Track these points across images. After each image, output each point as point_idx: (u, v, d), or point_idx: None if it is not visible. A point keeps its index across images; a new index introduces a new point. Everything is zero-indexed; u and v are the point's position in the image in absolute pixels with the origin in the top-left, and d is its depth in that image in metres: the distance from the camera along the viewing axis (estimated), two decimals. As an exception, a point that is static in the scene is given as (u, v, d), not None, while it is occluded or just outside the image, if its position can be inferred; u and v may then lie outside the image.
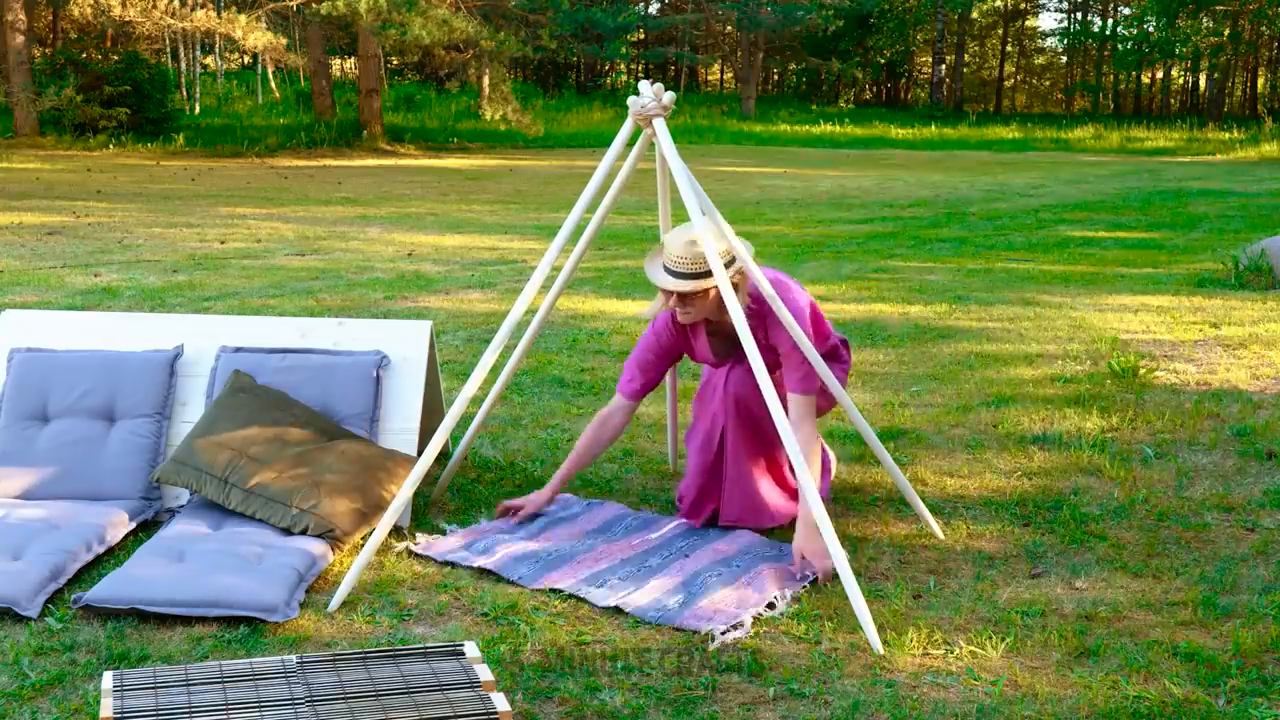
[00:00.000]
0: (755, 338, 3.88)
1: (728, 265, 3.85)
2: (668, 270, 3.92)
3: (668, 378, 4.72)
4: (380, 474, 4.04)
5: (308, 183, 18.26)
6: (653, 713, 2.95)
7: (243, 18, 22.61)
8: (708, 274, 3.85)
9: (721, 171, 20.75)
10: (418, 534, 4.08)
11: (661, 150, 3.90)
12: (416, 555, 3.93)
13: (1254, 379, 6.32)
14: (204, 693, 2.69)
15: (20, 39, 23.10)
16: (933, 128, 34.33)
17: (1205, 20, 40.12)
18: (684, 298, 3.95)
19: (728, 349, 4.18)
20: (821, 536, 3.60)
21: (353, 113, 27.94)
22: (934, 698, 3.04)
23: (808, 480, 3.62)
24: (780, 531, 4.15)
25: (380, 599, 3.59)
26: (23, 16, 23.39)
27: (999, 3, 49.56)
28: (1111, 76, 49.23)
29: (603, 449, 4.33)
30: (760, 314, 3.99)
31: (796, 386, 3.99)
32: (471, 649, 2.91)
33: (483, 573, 3.80)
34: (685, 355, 4.28)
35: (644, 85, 3.86)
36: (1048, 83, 53.64)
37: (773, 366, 4.01)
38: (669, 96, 3.85)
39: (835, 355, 4.37)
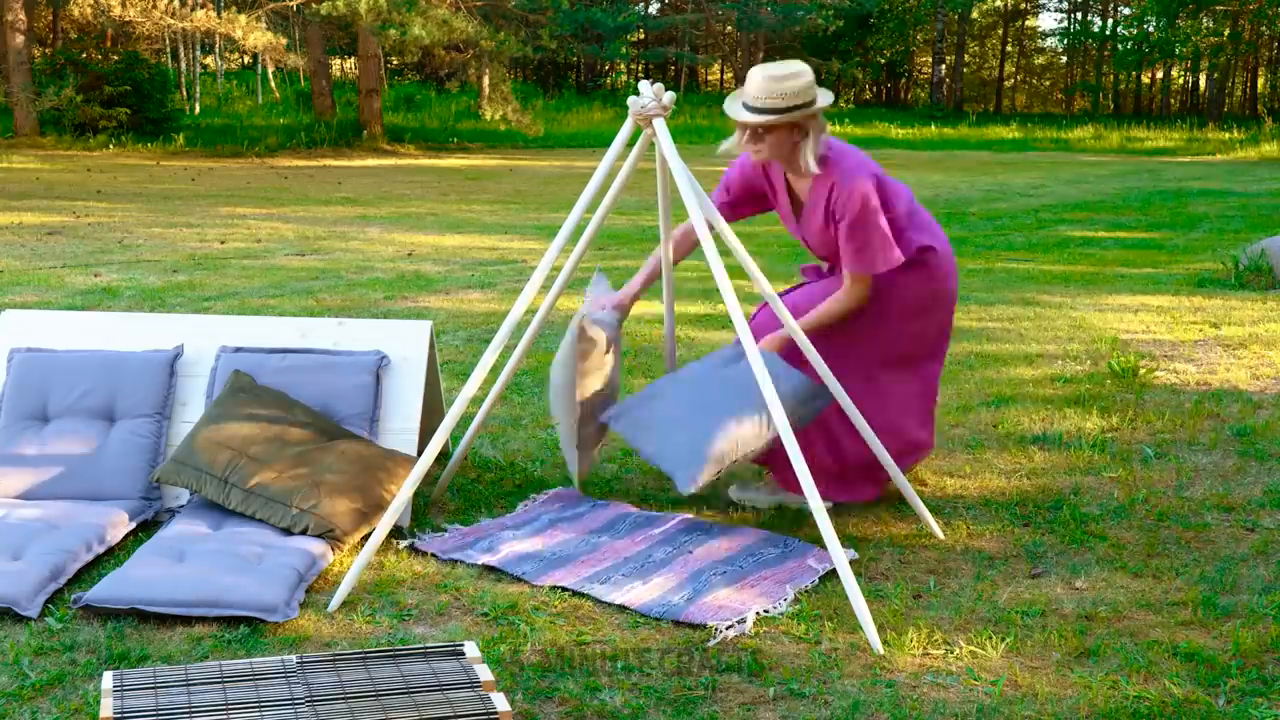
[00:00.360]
0: (822, 205, 4.04)
1: (803, 106, 3.91)
2: (745, 106, 3.98)
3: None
4: (380, 474, 4.04)
5: (308, 183, 18.26)
6: (653, 713, 2.95)
7: (243, 18, 22.60)
8: (778, 111, 3.90)
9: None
10: (419, 532, 4.08)
11: (661, 150, 3.90)
12: (417, 554, 3.93)
13: (1254, 379, 6.32)
14: (204, 693, 2.69)
15: (20, 39, 23.10)
16: (933, 128, 34.32)
17: (1205, 20, 40.11)
18: (755, 135, 3.98)
19: (801, 209, 4.19)
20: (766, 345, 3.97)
21: (353, 113, 27.94)
22: (934, 698, 3.04)
23: (822, 310, 4.08)
24: (785, 528, 4.15)
25: (380, 599, 3.59)
26: (23, 16, 23.38)
27: (999, 3, 49.54)
28: (1111, 76, 49.22)
29: (683, 255, 4.44)
30: (828, 176, 4.03)
31: (850, 262, 4.05)
32: (471, 649, 2.91)
33: (483, 573, 3.80)
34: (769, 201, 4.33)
35: (644, 85, 3.86)
36: (1048, 83, 53.63)
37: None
38: (669, 96, 3.85)
39: (915, 261, 4.21)
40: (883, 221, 4.02)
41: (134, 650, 3.23)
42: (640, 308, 8.17)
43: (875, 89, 51.55)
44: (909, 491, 4.17)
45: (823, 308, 4.15)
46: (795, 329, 3.92)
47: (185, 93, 33.55)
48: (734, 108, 4.01)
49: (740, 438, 3.88)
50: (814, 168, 4.00)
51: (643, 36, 48.02)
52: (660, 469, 4.03)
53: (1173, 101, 49.19)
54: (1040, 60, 54.80)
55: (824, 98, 3.99)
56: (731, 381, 3.99)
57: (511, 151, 26.08)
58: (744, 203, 4.36)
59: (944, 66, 44.43)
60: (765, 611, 3.51)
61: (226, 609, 3.38)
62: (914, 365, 4.34)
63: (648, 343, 6.99)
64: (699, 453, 3.86)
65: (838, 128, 33.91)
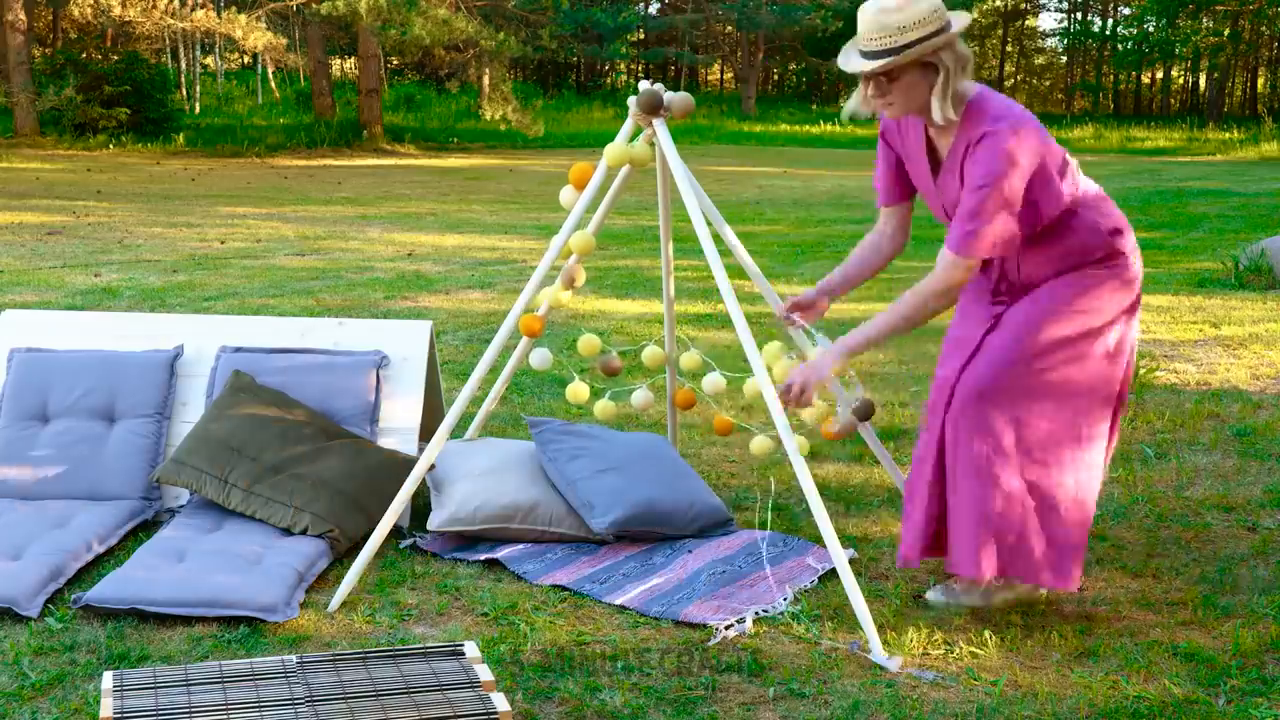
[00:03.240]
0: (959, 162, 3.24)
1: (929, 37, 3.13)
2: (863, 53, 3.19)
3: (666, 381, 4.71)
4: (380, 474, 4.04)
5: (308, 183, 18.26)
6: (653, 713, 2.95)
7: (243, 18, 22.62)
8: (896, 50, 3.13)
9: (721, 171, 20.75)
10: (419, 532, 4.08)
11: (662, 150, 3.90)
12: (417, 554, 3.93)
13: (1254, 379, 6.32)
14: (204, 693, 2.69)
15: (20, 39, 23.09)
16: (933, 128, 34.27)
17: (1205, 20, 40.11)
18: (878, 85, 3.19)
19: (948, 177, 3.33)
20: (825, 364, 3.39)
21: (353, 113, 27.94)
22: (934, 698, 3.04)
23: (884, 318, 3.32)
24: (786, 526, 4.15)
25: (380, 599, 3.59)
26: (23, 16, 23.38)
27: (999, 3, 49.54)
28: (1111, 76, 49.23)
29: (881, 264, 3.78)
30: (975, 123, 3.18)
31: (952, 241, 3.25)
32: (471, 649, 2.91)
33: (483, 573, 3.80)
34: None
35: (644, 85, 3.86)
36: (1048, 83, 53.63)
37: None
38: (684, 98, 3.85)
39: (1105, 255, 3.34)
40: (1016, 193, 3.17)
41: (134, 650, 3.22)
42: (640, 308, 8.19)
43: (875, 89, 51.49)
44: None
45: (908, 300, 3.42)
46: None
47: (185, 93, 33.54)
48: (847, 58, 3.24)
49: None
50: (948, 113, 3.17)
51: (643, 36, 48.00)
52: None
53: (1173, 101, 49.20)
54: (1040, 60, 54.81)
55: (958, 20, 3.18)
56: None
57: (511, 151, 26.08)
58: (895, 183, 3.59)
59: (944, 66, 44.37)
60: (765, 611, 3.51)
61: (226, 609, 3.38)
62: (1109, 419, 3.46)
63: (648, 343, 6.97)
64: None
65: (838, 128, 33.93)
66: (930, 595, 3.60)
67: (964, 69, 3.20)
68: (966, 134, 3.22)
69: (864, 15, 3.19)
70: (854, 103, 3.34)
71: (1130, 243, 3.42)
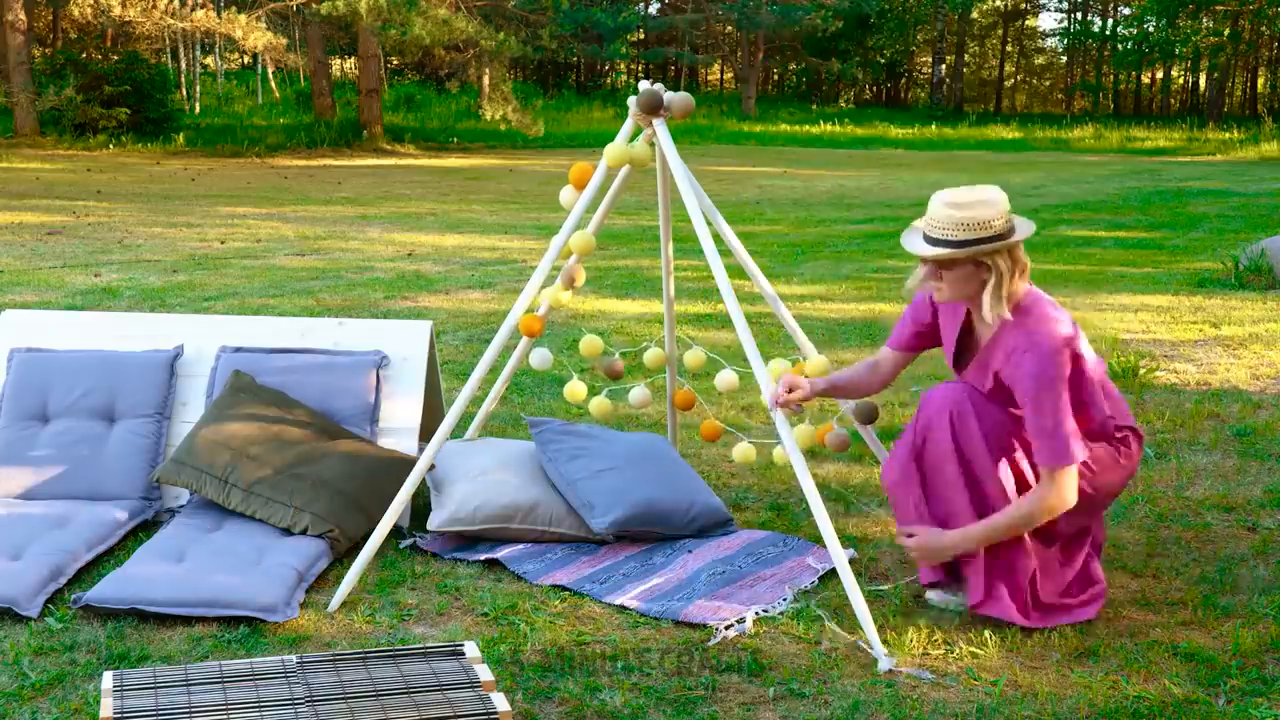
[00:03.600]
0: (994, 364, 3.39)
1: (992, 239, 3.29)
2: (925, 237, 3.37)
3: (666, 381, 4.72)
4: (380, 474, 4.04)
5: (308, 183, 18.26)
6: (653, 713, 2.95)
7: (243, 18, 22.62)
8: (957, 245, 3.29)
9: (721, 171, 20.75)
10: (419, 532, 4.08)
11: (662, 150, 3.90)
12: (417, 554, 3.93)
13: (1254, 379, 6.32)
14: (204, 693, 2.69)
15: (20, 39, 23.10)
16: (933, 128, 34.33)
17: (1205, 20, 40.11)
18: (932, 269, 3.37)
19: (967, 355, 3.55)
20: (946, 548, 3.39)
21: (353, 113, 27.94)
22: (934, 698, 3.04)
23: (1011, 512, 3.32)
24: (786, 526, 4.15)
25: (380, 599, 3.59)
26: (23, 16, 23.38)
27: (999, 3, 49.55)
28: (1111, 76, 49.23)
29: (865, 390, 3.81)
30: (1017, 329, 3.35)
31: (1045, 457, 3.29)
32: (471, 649, 2.91)
33: (483, 573, 3.80)
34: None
35: (644, 85, 3.86)
36: (1048, 83, 53.64)
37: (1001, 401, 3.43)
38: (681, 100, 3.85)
39: (1117, 441, 3.52)
40: (1066, 400, 3.32)
41: (134, 650, 3.22)
42: (640, 307, 8.19)
43: (875, 89, 51.56)
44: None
45: (1018, 509, 3.34)
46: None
47: (185, 93, 33.55)
48: (911, 239, 3.42)
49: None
50: (1000, 311, 3.33)
51: (643, 36, 48.03)
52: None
53: (1173, 101, 49.20)
54: (1040, 60, 54.83)
55: (1023, 228, 3.36)
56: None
57: (511, 151, 26.08)
58: (912, 342, 3.73)
59: (944, 66, 44.45)
60: (765, 611, 3.51)
61: (226, 609, 3.38)
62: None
63: (649, 343, 6.98)
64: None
65: (838, 127, 33.95)
66: (930, 595, 3.61)
67: (1020, 274, 3.36)
68: (1005, 343, 3.37)
69: (935, 202, 3.36)
70: (914, 280, 3.51)
71: (1138, 439, 3.57)
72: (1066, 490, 3.30)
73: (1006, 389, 3.38)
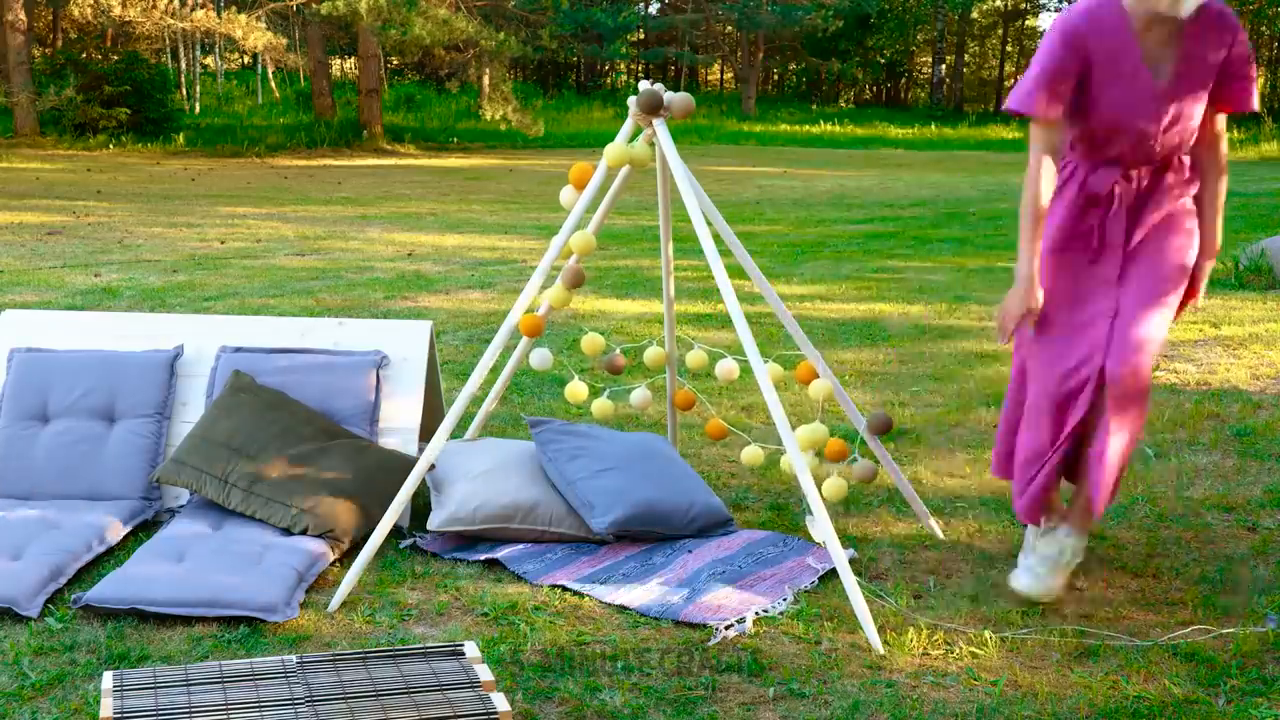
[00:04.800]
0: (1212, 40, 3.36)
1: None
2: None
3: (666, 381, 4.72)
4: (380, 474, 4.04)
5: (308, 183, 18.26)
6: (653, 713, 2.95)
7: (243, 18, 22.61)
8: None
9: (721, 171, 20.75)
10: (419, 532, 4.08)
11: (662, 150, 3.90)
12: (417, 554, 3.93)
13: (1254, 379, 6.32)
14: (204, 693, 2.69)
15: (20, 39, 23.10)
16: (933, 128, 34.32)
17: (1205, 20, 40.10)
18: None
19: (1173, 64, 3.37)
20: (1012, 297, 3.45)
21: (353, 113, 27.93)
22: (934, 698, 3.04)
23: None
24: (785, 526, 4.15)
25: (380, 599, 3.59)
26: (23, 16, 23.38)
27: (999, 3, 49.55)
28: (1111, 76, 49.15)
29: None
30: (1203, 22, 3.33)
31: (1252, 94, 3.42)
32: (471, 649, 2.91)
33: (483, 573, 3.80)
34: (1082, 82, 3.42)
35: (644, 85, 3.86)
36: (1048, 83, 53.55)
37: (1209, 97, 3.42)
38: (681, 99, 3.84)
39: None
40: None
41: (134, 650, 3.23)
42: (640, 308, 8.19)
43: (875, 89, 51.54)
44: (909, 492, 4.17)
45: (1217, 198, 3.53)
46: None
47: (185, 93, 33.54)
48: None
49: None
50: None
51: (643, 36, 48.00)
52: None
53: (1173, 101, 49.11)
54: (1040, 60, 54.73)
55: None
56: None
57: (511, 151, 26.08)
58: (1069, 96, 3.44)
59: (944, 66, 44.43)
60: (765, 611, 3.51)
61: (226, 609, 3.38)
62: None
63: (650, 342, 6.98)
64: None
65: (838, 127, 33.95)
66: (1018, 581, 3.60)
67: None
68: (1207, 19, 3.33)
69: None
70: None
71: None
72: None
73: (1230, 69, 3.39)
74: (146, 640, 3.29)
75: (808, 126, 34.42)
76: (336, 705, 2.66)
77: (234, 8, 25.30)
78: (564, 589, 3.67)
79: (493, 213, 14.67)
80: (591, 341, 4.39)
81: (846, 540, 4.02)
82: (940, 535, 4.12)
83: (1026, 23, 53.10)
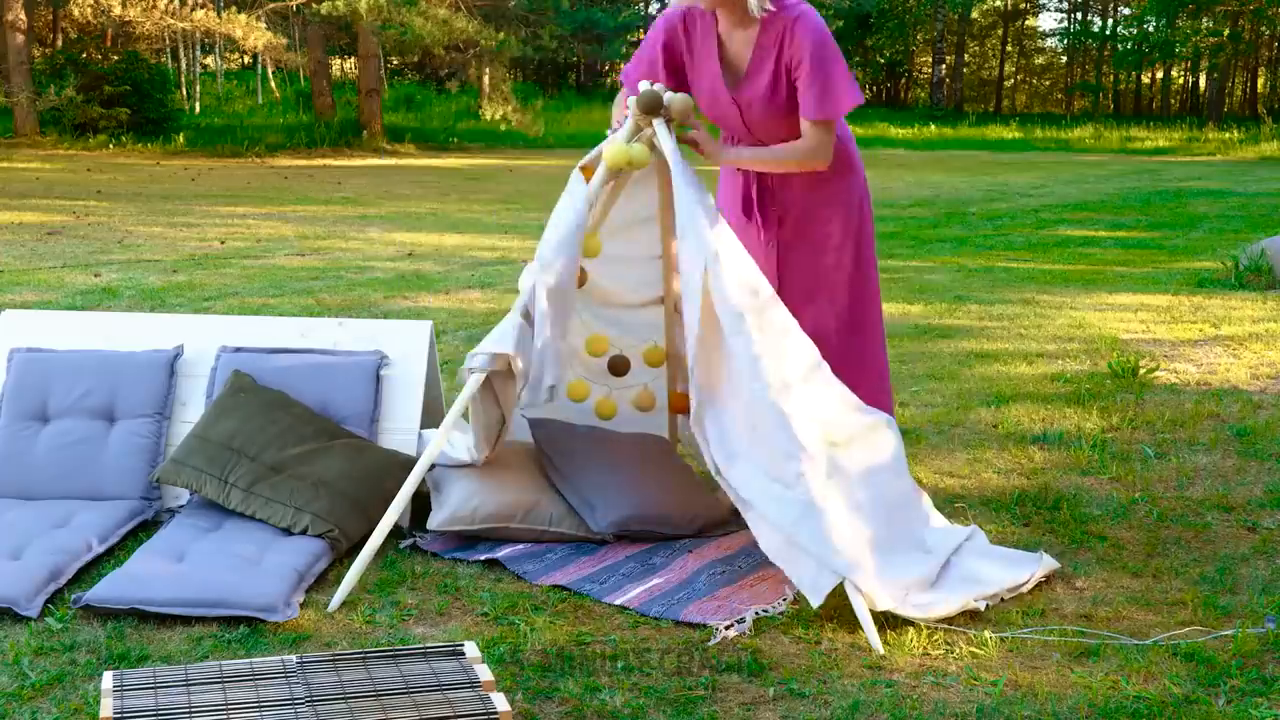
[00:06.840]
0: (772, 57, 3.59)
1: None
2: None
3: (666, 378, 4.71)
4: (380, 474, 4.04)
5: (308, 183, 18.26)
6: (653, 713, 2.95)
7: (243, 18, 22.60)
8: None
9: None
10: (420, 532, 4.08)
11: (662, 150, 3.89)
12: (417, 554, 3.93)
13: (1254, 379, 6.32)
14: (204, 693, 2.69)
15: (20, 39, 23.09)
16: (933, 128, 34.33)
17: (1205, 20, 40.10)
18: None
19: (737, 80, 3.71)
20: (717, 155, 3.81)
21: (353, 113, 27.92)
22: (934, 698, 3.04)
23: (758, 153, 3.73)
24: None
25: (380, 599, 3.59)
26: (23, 16, 23.37)
27: (999, 3, 49.54)
28: (1111, 76, 49.20)
29: None
30: (778, 19, 3.58)
31: (813, 107, 3.62)
32: (471, 649, 2.91)
33: (483, 573, 3.80)
34: (685, 83, 3.83)
35: (644, 86, 3.86)
36: (1048, 83, 53.61)
37: (789, 113, 3.65)
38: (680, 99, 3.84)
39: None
40: (841, 60, 3.63)
41: (134, 650, 3.23)
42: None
43: (875, 89, 51.54)
44: None
45: (778, 149, 3.75)
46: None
47: (185, 93, 33.53)
48: None
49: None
50: (762, 6, 3.57)
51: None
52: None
53: (1173, 101, 49.18)
54: (1040, 60, 54.77)
55: None
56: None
57: (511, 151, 26.07)
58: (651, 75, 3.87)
59: (944, 66, 44.41)
60: (765, 611, 3.51)
61: (226, 609, 3.38)
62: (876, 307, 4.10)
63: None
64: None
65: (838, 128, 33.87)
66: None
67: None
68: (778, 23, 3.61)
69: None
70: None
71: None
72: (827, 141, 3.72)
73: (792, 83, 3.64)
74: (146, 640, 3.29)
75: (808, 126, 34.35)
76: (336, 705, 2.66)
77: (234, 8, 25.28)
78: (564, 589, 3.67)
79: (493, 213, 14.67)
80: (595, 340, 4.39)
81: (846, 540, 4.02)
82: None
83: (1026, 23, 53.10)
